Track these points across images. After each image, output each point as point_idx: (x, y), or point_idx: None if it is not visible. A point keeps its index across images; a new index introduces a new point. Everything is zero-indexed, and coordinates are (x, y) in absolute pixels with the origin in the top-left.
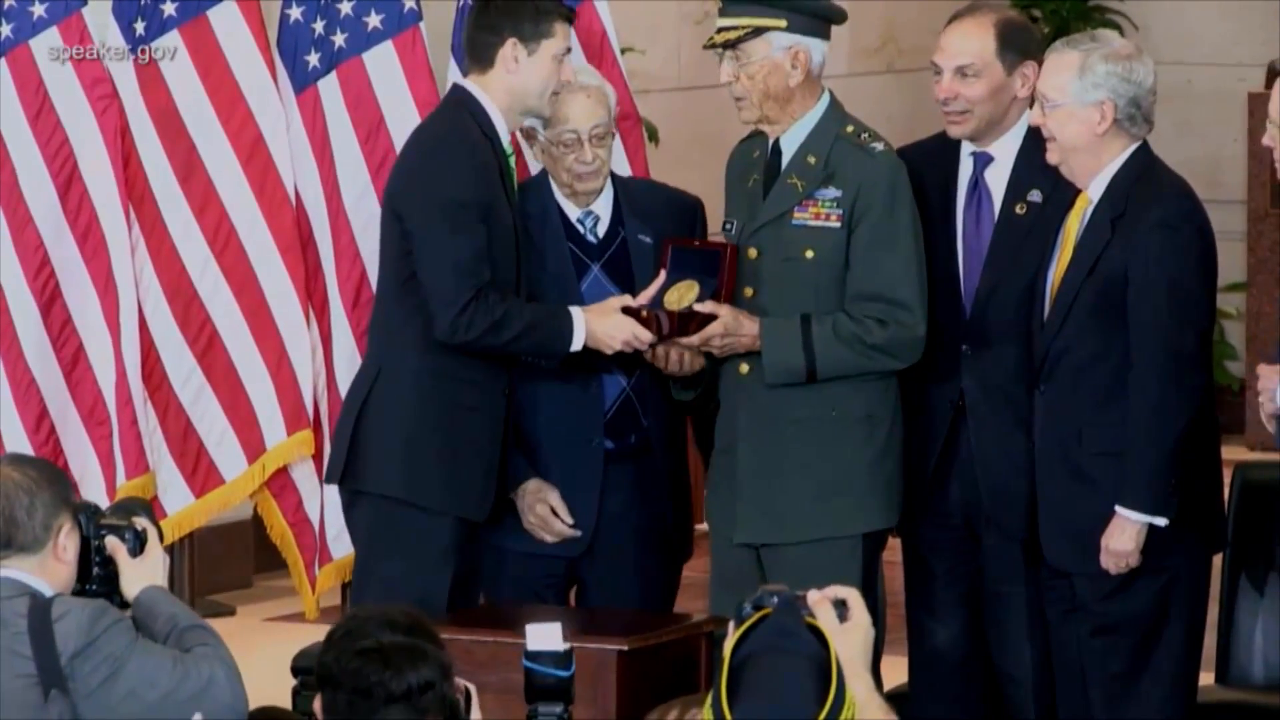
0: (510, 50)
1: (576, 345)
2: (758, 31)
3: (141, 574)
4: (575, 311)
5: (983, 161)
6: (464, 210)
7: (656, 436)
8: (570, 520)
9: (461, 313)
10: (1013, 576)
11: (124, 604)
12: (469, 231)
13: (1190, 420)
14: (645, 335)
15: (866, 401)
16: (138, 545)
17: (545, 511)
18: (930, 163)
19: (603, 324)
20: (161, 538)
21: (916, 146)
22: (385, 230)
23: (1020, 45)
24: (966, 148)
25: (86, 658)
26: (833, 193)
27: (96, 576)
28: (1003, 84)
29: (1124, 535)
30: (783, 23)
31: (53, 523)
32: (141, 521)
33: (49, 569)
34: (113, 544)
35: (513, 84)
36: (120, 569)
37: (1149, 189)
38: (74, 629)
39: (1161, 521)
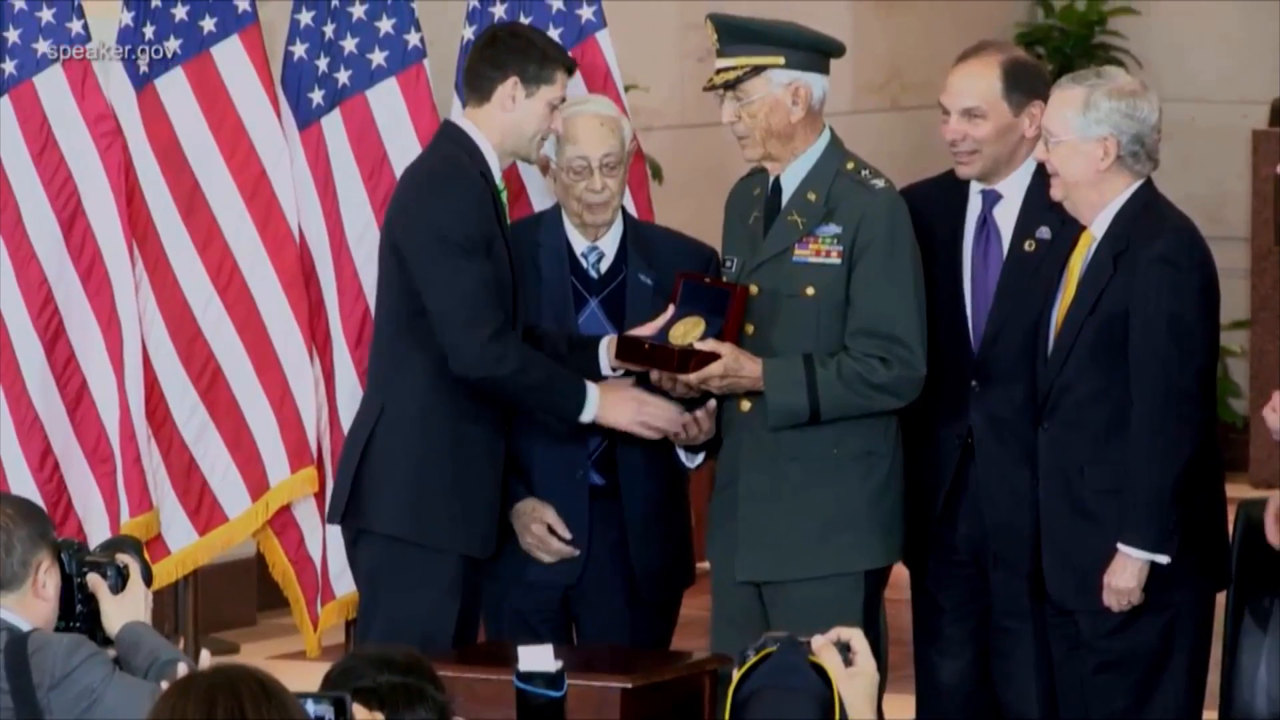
0: (510, 88)
1: (585, 419)
2: (757, 70)
3: (123, 610)
4: (591, 389)
5: (991, 199)
6: (471, 244)
7: (625, 479)
8: (568, 536)
9: (488, 344)
10: (1020, 612)
11: (107, 641)
12: (479, 265)
13: (1191, 457)
14: (655, 420)
15: (866, 438)
16: (119, 582)
17: (542, 531)
18: (938, 200)
19: (614, 410)
20: (149, 575)
21: (924, 184)
22: (385, 267)
23: (1027, 85)
24: (975, 185)
25: (63, 690)
26: (833, 229)
27: (79, 614)
28: (1010, 124)
29: (1125, 573)
30: (780, 60)
31: (31, 559)
32: (124, 558)
33: (28, 605)
34: (94, 581)
35: (506, 122)
36: (101, 605)
37: (1151, 225)
38: (50, 662)
39: (1164, 559)
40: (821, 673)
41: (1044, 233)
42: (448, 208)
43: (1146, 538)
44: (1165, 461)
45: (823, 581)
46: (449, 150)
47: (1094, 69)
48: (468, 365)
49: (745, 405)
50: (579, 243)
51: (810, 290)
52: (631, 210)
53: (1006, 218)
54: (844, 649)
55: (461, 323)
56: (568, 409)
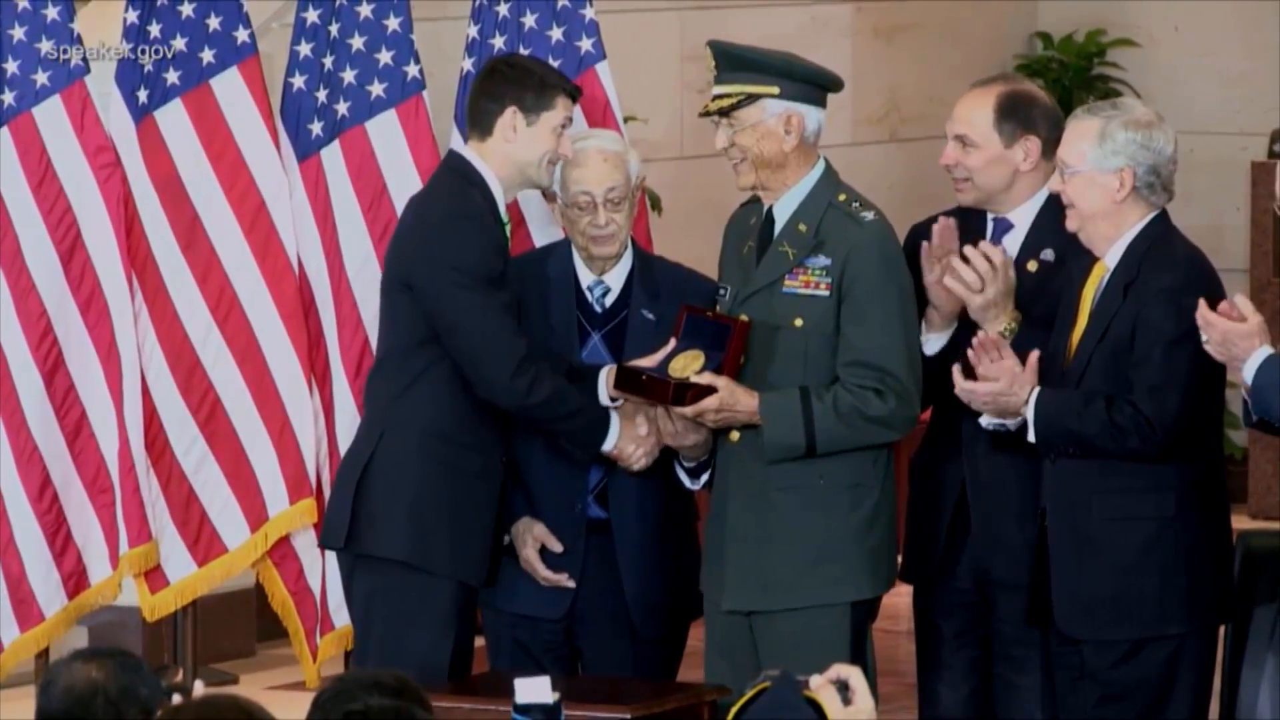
0: (510, 119)
1: (607, 447)
2: (751, 98)
3: None
4: (614, 419)
5: (1003, 227)
6: (490, 279)
7: (616, 514)
8: (559, 548)
9: (517, 374)
10: (1027, 640)
11: None
12: (499, 298)
13: (1107, 450)
14: (647, 447)
15: (854, 470)
16: None
17: (531, 555)
18: (958, 229)
19: (628, 441)
20: None
21: (944, 215)
22: (389, 300)
23: (1021, 118)
24: (989, 215)
25: None
26: (823, 261)
27: None
28: (1000, 155)
29: (1001, 399)
30: (775, 90)
31: None
32: None
33: None
34: None
35: (511, 153)
36: None
37: (1161, 256)
38: None
39: (1006, 425)
40: (818, 709)
41: (1048, 254)
42: (466, 245)
43: (1040, 430)
44: (1114, 440)
45: (809, 612)
46: (458, 186)
47: (1110, 100)
48: (499, 396)
49: (734, 436)
50: (585, 276)
51: (799, 321)
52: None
53: (1015, 245)
54: (842, 688)
55: (488, 356)
56: (594, 438)
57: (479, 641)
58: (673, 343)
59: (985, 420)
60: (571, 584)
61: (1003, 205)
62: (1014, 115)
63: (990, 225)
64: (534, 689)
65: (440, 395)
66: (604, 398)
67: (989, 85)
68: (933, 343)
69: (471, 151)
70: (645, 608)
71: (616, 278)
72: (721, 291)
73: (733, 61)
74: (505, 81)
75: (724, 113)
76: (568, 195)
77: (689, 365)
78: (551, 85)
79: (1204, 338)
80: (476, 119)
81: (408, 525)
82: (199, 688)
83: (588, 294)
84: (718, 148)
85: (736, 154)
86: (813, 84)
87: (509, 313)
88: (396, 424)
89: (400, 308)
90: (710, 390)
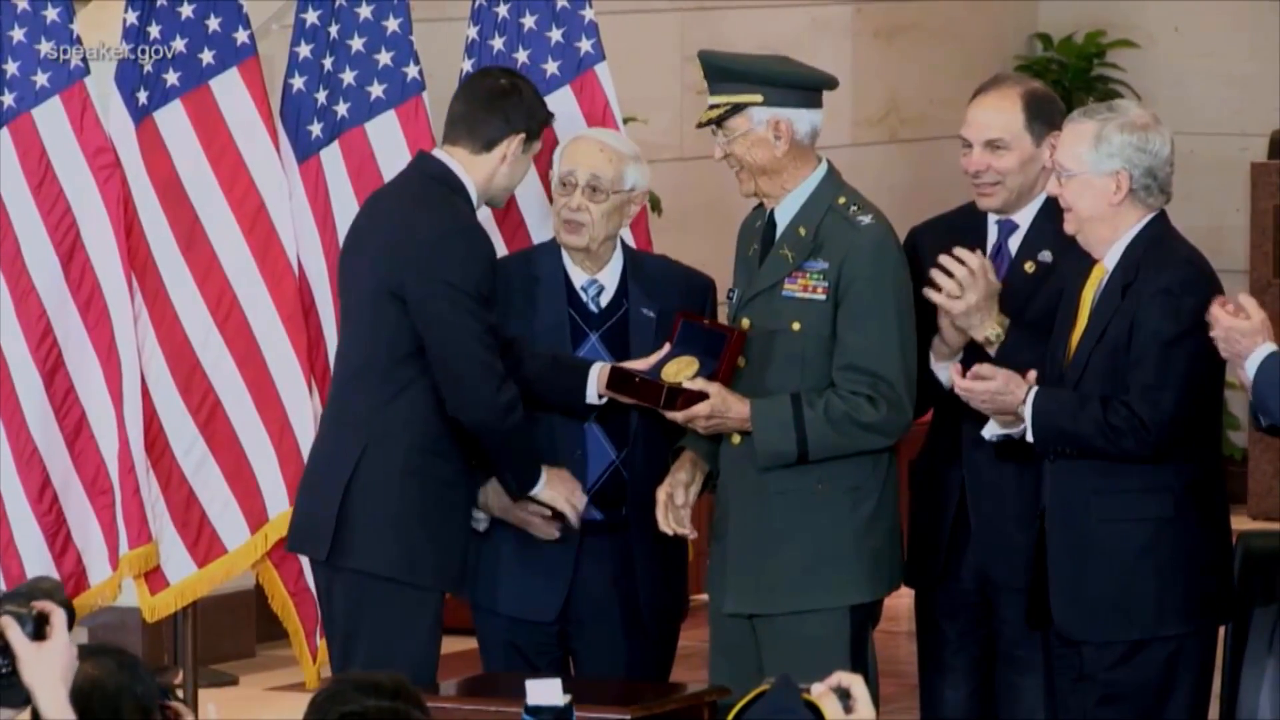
0: (516, 144)
1: (531, 491)
2: (738, 108)
3: (42, 660)
4: (544, 469)
5: (1008, 229)
6: (482, 298)
7: (634, 512)
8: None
9: (498, 394)
10: (1029, 641)
11: (26, 700)
12: (489, 318)
13: (1102, 451)
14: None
15: (853, 473)
16: (35, 629)
17: (529, 516)
18: (957, 232)
19: (551, 488)
20: (72, 618)
21: (945, 217)
22: (374, 308)
23: (1047, 115)
24: (992, 216)
25: None
26: (820, 265)
27: None
28: (1032, 155)
29: (999, 398)
30: (759, 98)
31: None
32: (44, 605)
33: None
34: (5, 623)
35: (498, 172)
36: (17, 654)
37: (1159, 257)
38: None
39: (1012, 433)
40: (817, 712)
41: (1045, 256)
42: (462, 263)
43: (1037, 430)
44: (1109, 441)
45: (809, 615)
46: (443, 194)
47: (1106, 103)
48: (475, 413)
49: (735, 440)
50: (578, 276)
51: (796, 325)
52: (630, 243)
53: (1018, 245)
54: (844, 695)
55: (474, 375)
56: (530, 475)
57: (471, 644)
58: (667, 347)
59: (988, 432)
60: (575, 512)
61: (1014, 207)
62: (1041, 114)
63: (995, 227)
64: (545, 691)
65: (423, 409)
66: (592, 395)
67: (1004, 87)
68: (942, 373)
69: (452, 159)
70: (654, 605)
71: (610, 276)
72: (731, 294)
73: (718, 73)
74: (522, 106)
75: (716, 123)
76: (558, 173)
77: (682, 370)
78: (547, 121)
79: (1211, 334)
80: (478, 131)
81: (394, 541)
82: (211, 713)
83: (582, 294)
84: (715, 158)
85: (733, 163)
86: (799, 87)
87: (495, 334)
88: (382, 438)
89: (387, 318)
90: (702, 396)
